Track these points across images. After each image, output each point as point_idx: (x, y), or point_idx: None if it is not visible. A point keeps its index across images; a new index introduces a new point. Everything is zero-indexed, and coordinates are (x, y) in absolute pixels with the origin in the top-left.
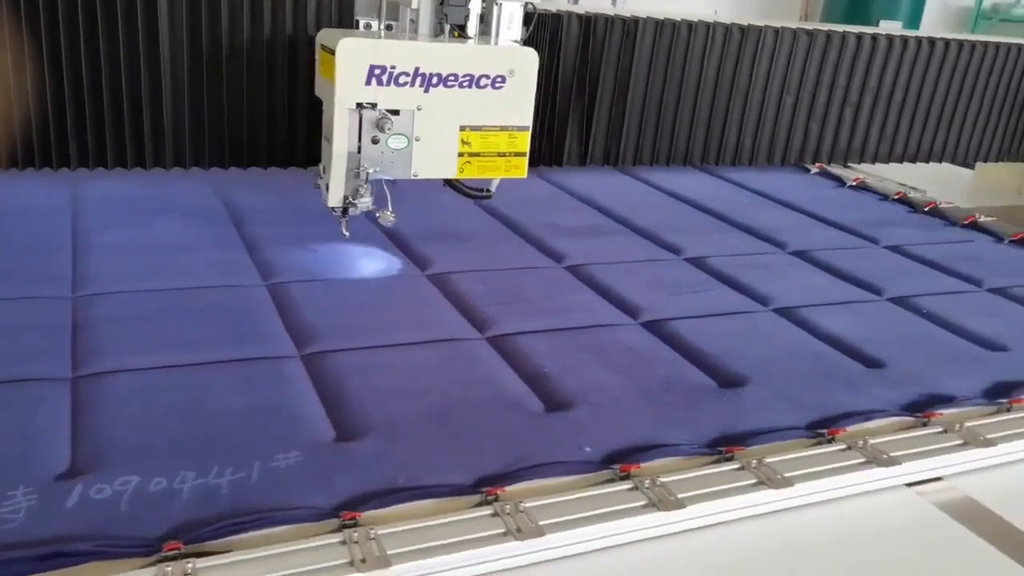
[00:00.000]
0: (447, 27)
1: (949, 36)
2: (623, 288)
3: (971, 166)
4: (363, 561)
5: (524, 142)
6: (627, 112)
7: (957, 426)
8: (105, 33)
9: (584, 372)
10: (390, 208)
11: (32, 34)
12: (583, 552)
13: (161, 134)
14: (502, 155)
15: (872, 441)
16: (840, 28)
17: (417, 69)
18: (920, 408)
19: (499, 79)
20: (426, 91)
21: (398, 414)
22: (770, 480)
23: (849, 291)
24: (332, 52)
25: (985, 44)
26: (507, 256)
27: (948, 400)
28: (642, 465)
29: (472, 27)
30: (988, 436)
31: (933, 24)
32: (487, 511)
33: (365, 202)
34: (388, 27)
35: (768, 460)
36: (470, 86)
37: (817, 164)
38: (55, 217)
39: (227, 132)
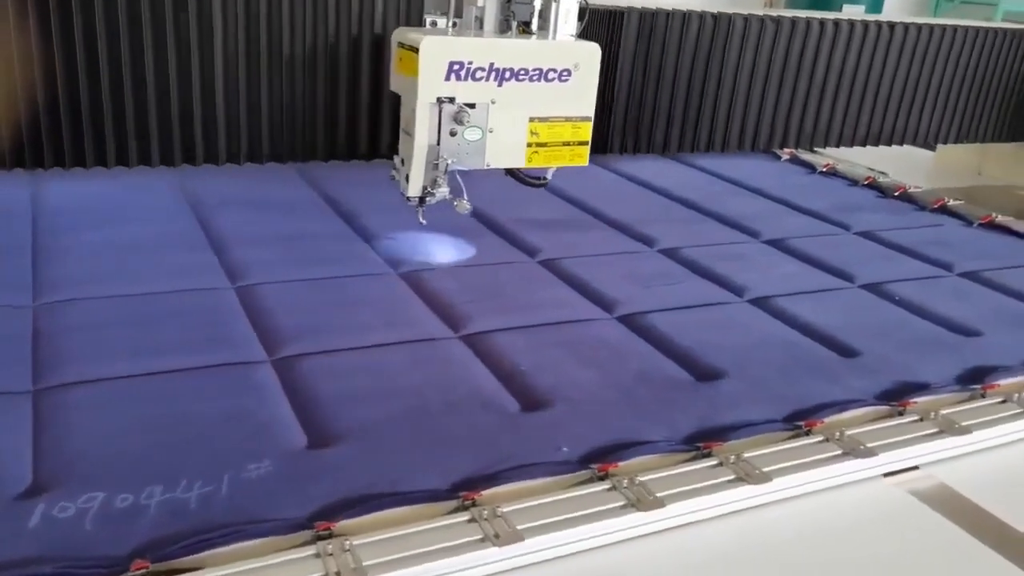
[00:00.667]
0: (514, 24)
1: (909, 20)
2: (598, 282)
3: (932, 148)
4: (338, 574)
5: (587, 131)
6: (601, 102)
7: (932, 414)
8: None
9: (560, 369)
10: (465, 197)
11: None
12: (562, 555)
13: (213, 129)
14: (566, 144)
15: (849, 432)
16: (804, 14)
17: (492, 64)
18: (895, 396)
19: (565, 72)
20: (499, 85)
21: (372, 418)
22: (748, 476)
23: (822, 279)
24: (412, 50)
25: (944, 27)
26: (480, 252)
27: (923, 388)
28: (620, 464)
29: (534, 23)
30: (963, 423)
31: (896, 8)
32: (464, 517)
33: (443, 192)
34: (453, 24)
35: (746, 455)
36: (539, 80)
37: (788, 151)
38: (16, 221)
39: (296, 126)
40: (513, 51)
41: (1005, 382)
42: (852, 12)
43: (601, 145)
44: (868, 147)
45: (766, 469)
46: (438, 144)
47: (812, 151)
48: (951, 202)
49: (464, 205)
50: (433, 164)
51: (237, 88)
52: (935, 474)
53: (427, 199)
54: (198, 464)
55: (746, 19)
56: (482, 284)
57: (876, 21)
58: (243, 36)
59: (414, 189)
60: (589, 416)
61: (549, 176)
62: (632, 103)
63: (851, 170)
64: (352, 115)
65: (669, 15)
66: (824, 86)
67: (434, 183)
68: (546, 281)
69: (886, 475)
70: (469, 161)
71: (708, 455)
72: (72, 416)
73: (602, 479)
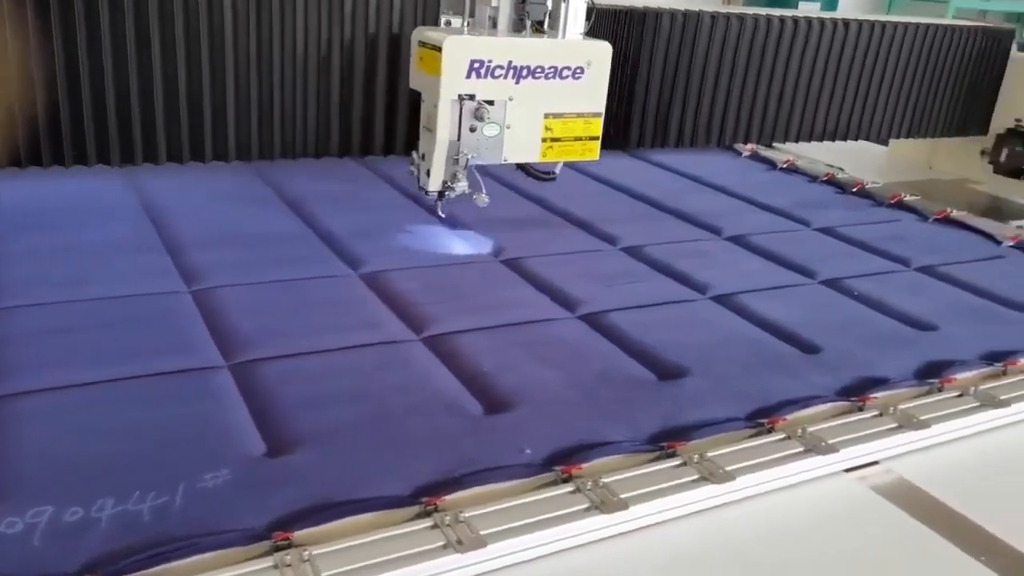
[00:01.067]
0: (528, 23)
1: (862, 17)
2: (560, 281)
3: (885, 143)
4: None
5: (597, 127)
6: None
7: (891, 409)
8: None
9: (523, 370)
10: (484, 191)
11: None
12: (527, 560)
13: (221, 125)
14: (578, 139)
15: (811, 429)
16: (764, 11)
17: (510, 62)
18: (856, 392)
19: (578, 70)
20: (517, 83)
21: (332, 423)
22: (712, 475)
23: (784, 275)
24: (435, 48)
25: (895, 24)
26: (440, 252)
27: (882, 382)
28: (584, 466)
29: (547, 22)
30: (922, 418)
31: (850, 5)
32: (426, 523)
33: (462, 186)
34: (468, 24)
35: (709, 454)
36: (554, 77)
37: (749, 147)
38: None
39: (310, 123)
40: (530, 50)
41: (961, 376)
42: (808, 9)
43: None
44: (825, 142)
45: (729, 468)
46: (458, 140)
47: (771, 147)
48: (907, 197)
49: (483, 198)
50: (453, 159)
51: (248, 84)
52: (894, 468)
53: (447, 193)
54: (152, 475)
55: (713, 16)
56: (445, 285)
57: (832, 19)
58: (255, 35)
59: (435, 184)
60: (552, 417)
61: (557, 171)
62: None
63: (811, 166)
64: (367, 112)
65: (644, 14)
66: (784, 82)
67: (454, 178)
68: (509, 281)
69: (847, 471)
70: (487, 156)
71: (672, 455)
72: (19, 427)
73: (566, 481)
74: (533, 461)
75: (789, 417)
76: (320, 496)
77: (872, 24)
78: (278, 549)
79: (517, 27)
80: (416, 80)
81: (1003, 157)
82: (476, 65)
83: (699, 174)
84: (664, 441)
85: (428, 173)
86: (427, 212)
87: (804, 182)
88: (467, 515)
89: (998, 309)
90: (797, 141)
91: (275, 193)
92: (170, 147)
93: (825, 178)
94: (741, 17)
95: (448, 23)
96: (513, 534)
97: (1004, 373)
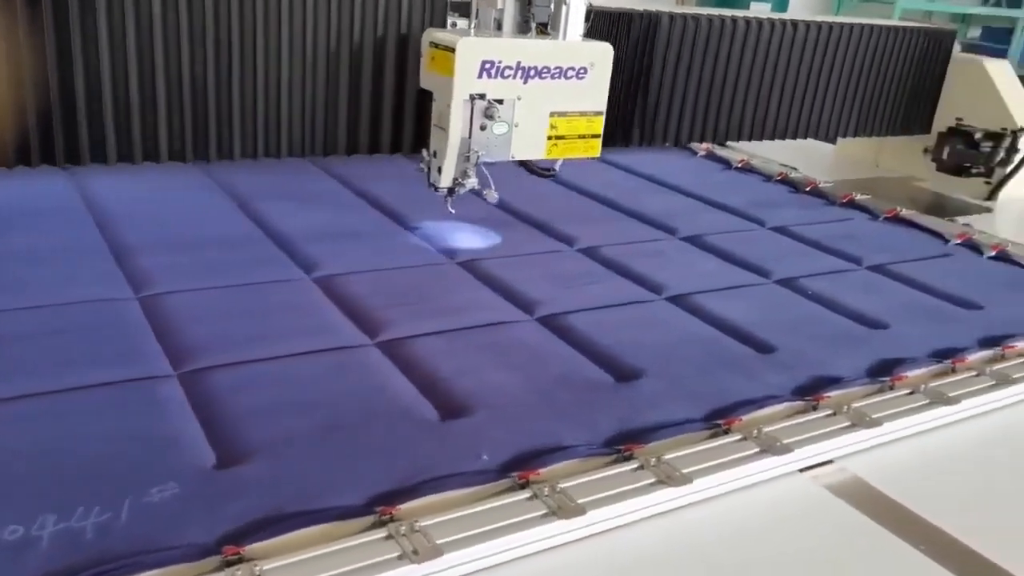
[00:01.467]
0: (533, 25)
1: (811, 19)
2: (518, 283)
3: (833, 141)
4: None
5: (599, 125)
6: None
7: (844, 408)
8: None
9: (481, 374)
10: (492, 186)
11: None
12: (484, 568)
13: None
14: (581, 137)
15: (766, 429)
16: (717, 12)
17: (519, 63)
18: (810, 391)
19: (582, 70)
20: (525, 83)
21: (284, 433)
22: (669, 478)
23: (739, 275)
24: (448, 49)
25: (842, 25)
26: (397, 254)
27: (835, 381)
28: (541, 471)
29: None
30: (874, 416)
31: (800, 6)
32: (381, 533)
33: (471, 182)
34: (475, 25)
35: (666, 457)
36: (559, 77)
37: (704, 147)
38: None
39: (318, 122)
40: (537, 51)
41: (912, 374)
42: (759, 10)
43: None
44: (776, 141)
45: (686, 471)
46: (469, 137)
47: (725, 146)
48: (858, 196)
49: (492, 194)
50: (464, 156)
51: (253, 83)
52: (848, 467)
53: (456, 190)
54: (96, 490)
55: (671, 17)
56: (400, 288)
57: (781, 20)
58: (261, 32)
59: (446, 180)
60: (510, 421)
61: (557, 168)
62: None
63: (765, 166)
64: (375, 112)
65: (611, 15)
66: (736, 82)
67: (464, 174)
68: (466, 283)
69: (802, 470)
70: (496, 153)
71: (629, 458)
72: None
73: (523, 487)
74: (490, 467)
75: (745, 418)
76: (272, 508)
77: (820, 25)
78: (228, 564)
79: (522, 29)
80: (427, 80)
81: (945, 155)
82: (487, 66)
83: (655, 173)
84: (621, 444)
85: (439, 170)
86: (380, 214)
87: (759, 181)
88: (423, 524)
89: (946, 307)
90: (750, 139)
91: (226, 194)
92: (120, 147)
93: (779, 177)
94: (696, 17)
95: (454, 24)
96: (470, 543)
97: (953, 371)
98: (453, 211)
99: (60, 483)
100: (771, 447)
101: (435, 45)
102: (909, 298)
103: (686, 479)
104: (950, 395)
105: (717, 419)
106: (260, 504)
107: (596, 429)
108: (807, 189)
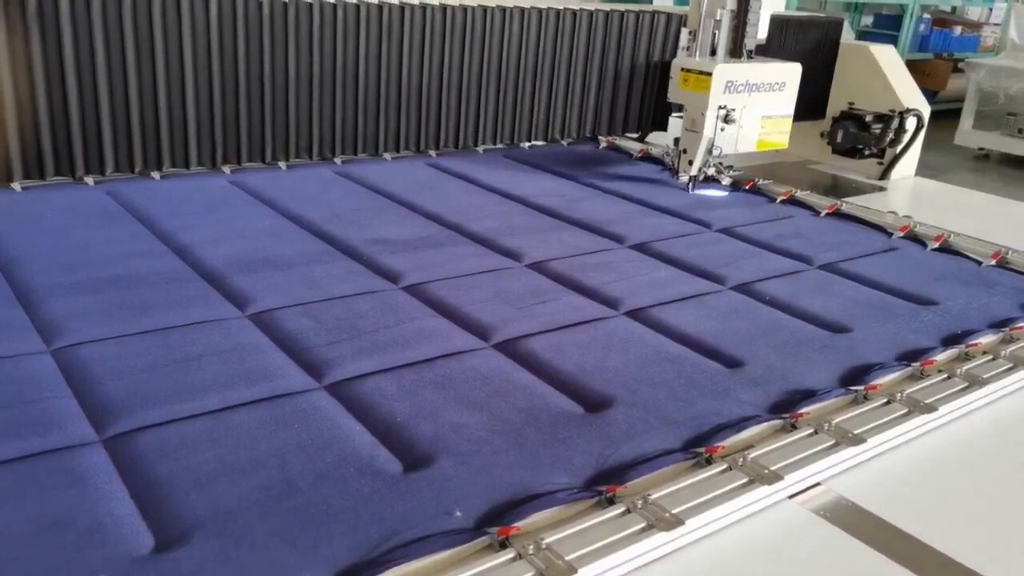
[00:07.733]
0: (746, 50)
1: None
2: (468, 307)
3: None
4: None
5: (787, 124)
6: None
7: (825, 425)
8: None
9: (440, 415)
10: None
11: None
12: None
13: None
14: (778, 133)
15: (751, 455)
16: (622, 7)
17: (747, 81)
18: (785, 407)
19: (779, 85)
20: (748, 95)
21: (227, 502)
22: (660, 521)
23: (694, 283)
24: (704, 74)
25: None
26: (334, 282)
27: (809, 394)
28: (521, 524)
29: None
30: (856, 432)
31: None
32: None
33: (710, 171)
34: (691, 49)
35: (653, 496)
36: (768, 90)
37: (606, 140)
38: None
39: None
40: (757, 72)
41: (883, 380)
42: (663, 3)
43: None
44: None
45: (676, 511)
46: (713, 136)
47: (623, 136)
48: (798, 192)
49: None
50: (708, 151)
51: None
52: (833, 487)
53: (698, 176)
54: None
55: (559, 13)
56: (341, 320)
57: (667, 13)
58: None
59: (695, 169)
60: (479, 469)
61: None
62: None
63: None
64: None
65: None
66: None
67: (706, 163)
68: (412, 310)
69: (791, 496)
70: (726, 148)
71: (612, 500)
72: None
73: (503, 546)
74: (464, 525)
75: (726, 443)
76: None
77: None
78: None
79: (734, 53)
80: (679, 96)
81: (839, 138)
82: (729, 85)
83: (577, 173)
84: (602, 485)
85: (690, 163)
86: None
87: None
88: None
89: (902, 304)
90: (637, 131)
91: (137, 215)
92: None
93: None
94: (592, 13)
95: (685, 49)
96: None
97: (922, 374)
98: (694, 192)
99: None
100: (760, 476)
101: (688, 70)
102: (864, 297)
103: (677, 521)
104: (926, 402)
105: (696, 447)
106: None
107: (572, 469)
108: (746, 188)
